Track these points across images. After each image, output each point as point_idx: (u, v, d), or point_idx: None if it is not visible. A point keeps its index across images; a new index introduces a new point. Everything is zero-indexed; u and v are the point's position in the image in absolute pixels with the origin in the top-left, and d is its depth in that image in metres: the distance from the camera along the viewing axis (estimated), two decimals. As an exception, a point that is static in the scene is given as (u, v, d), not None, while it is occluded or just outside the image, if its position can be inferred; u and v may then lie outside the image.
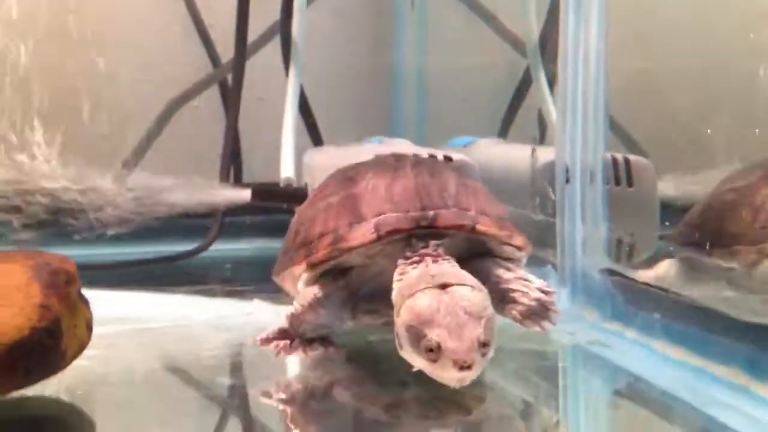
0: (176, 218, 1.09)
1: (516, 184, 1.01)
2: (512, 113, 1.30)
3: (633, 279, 0.83)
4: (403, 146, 1.05)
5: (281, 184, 1.11)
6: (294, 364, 0.76)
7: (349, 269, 0.73)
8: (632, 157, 0.99)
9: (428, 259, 0.68)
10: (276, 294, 0.86)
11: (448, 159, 0.98)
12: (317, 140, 1.28)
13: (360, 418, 0.68)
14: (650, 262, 0.88)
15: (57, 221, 1.06)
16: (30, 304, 0.63)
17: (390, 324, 0.71)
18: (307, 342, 0.73)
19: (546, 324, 0.71)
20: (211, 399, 0.73)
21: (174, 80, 1.33)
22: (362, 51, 1.41)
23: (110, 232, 1.06)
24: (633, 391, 0.71)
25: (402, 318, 0.65)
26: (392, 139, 1.16)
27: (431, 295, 0.64)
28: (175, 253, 1.16)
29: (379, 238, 0.70)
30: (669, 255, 0.87)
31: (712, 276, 0.81)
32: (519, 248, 0.74)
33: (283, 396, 0.71)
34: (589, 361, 0.79)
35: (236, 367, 0.81)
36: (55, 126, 1.18)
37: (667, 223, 0.94)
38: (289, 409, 0.69)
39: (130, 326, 0.87)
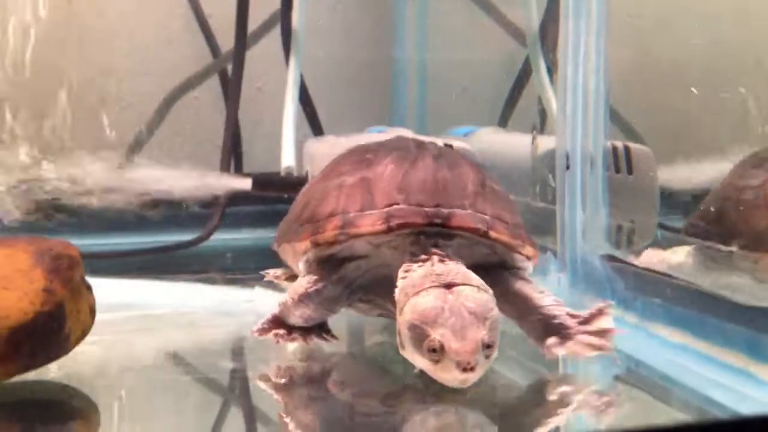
0: (177, 208, 1.09)
1: (516, 172, 1.02)
2: (512, 103, 1.30)
3: (633, 264, 0.83)
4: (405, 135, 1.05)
5: (282, 174, 1.12)
6: (293, 350, 0.76)
7: (348, 260, 0.71)
8: (632, 145, 0.99)
9: (435, 258, 0.67)
10: (277, 281, 0.86)
11: (448, 147, 0.98)
12: (317, 130, 1.28)
13: (358, 402, 0.68)
14: (654, 248, 0.88)
15: (57, 212, 1.06)
16: (33, 288, 0.64)
17: (385, 316, 0.71)
18: (305, 331, 0.73)
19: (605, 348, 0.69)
20: (211, 384, 0.74)
21: (174, 71, 1.33)
22: (362, 41, 1.41)
23: (109, 220, 1.07)
24: (634, 375, 0.72)
25: (405, 317, 0.64)
26: (393, 128, 1.16)
27: (436, 294, 0.63)
28: (177, 243, 1.17)
29: (389, 229, 0.69)
30: (683, 243, 0.85)
31: (733, 269, 0.80)
32: (528, 257, 0.72)
33: (281, 381, 0.72)
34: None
35: (237, 353, 0.81)
36: (54, 117, 1.19)
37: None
38: (287, 396, 0.69)
39: (132, 313, 0.87)
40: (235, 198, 1.16)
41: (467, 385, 0.61)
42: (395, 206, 0.70)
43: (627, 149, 0.98)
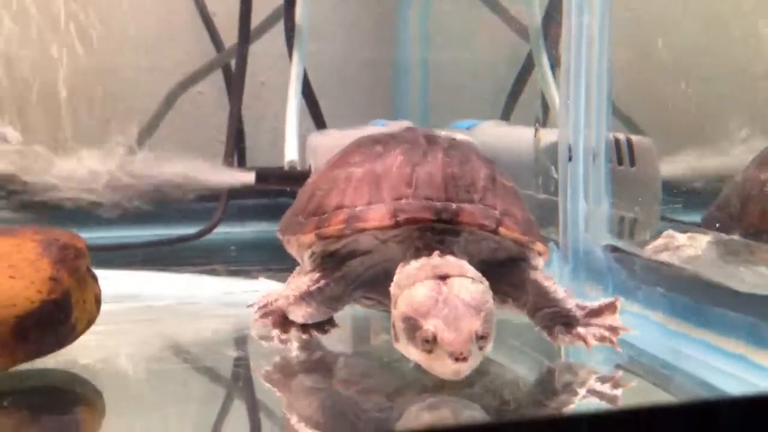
0: (181, 201, 1.10)
1: (519, 164, 1.02)
2: (515, 97, 1.31)
3: (635, 255, 0.83)
4: (406, 129, 1.05)
5: (285, 168, 1.12)
6: (296, 343, 0.76)
7: (352, 255, 0.71)
8: (635, 137, 1.00)
9: (435, 253, 0.66)
10: (281, 273, 0.86)
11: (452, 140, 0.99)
12: (320, 124, 1.29)
13: (361, 396, 0.68)
14: (664, 238, 0.88)
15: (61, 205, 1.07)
16: (40, 277, 0.64)
17: (388, 311, 0.70)
18: (303, 326, 0.72)
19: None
20: (215, 373, 0.74)
21: (178, 65, 1.34)
22: (365, 35, 1.41)
23: (114, 214, 1.07)
24: (635, 363, 0.72)
25: (399, 309, 0.64)
26: (396, 122, 1.17)
27: (430, 285, 0.63)
28: (180, 236, 1.17)
29: (396, 224, 0.68)
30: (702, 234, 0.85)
31: (756, 263, 0.79)
32: (539, 253, 0.71)
33: (284, 373, 0.72)
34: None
35: (240, 343, 0.82)
36: (59, 112, 1.19)
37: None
38: (290, 388, 0.70)
39: (137, 304, 0.88)
40: (238, 191, 1.16)
41: (460, 376, 0.61)
42: (403, 200, 0.68)
43: (629, 141, 0.99)
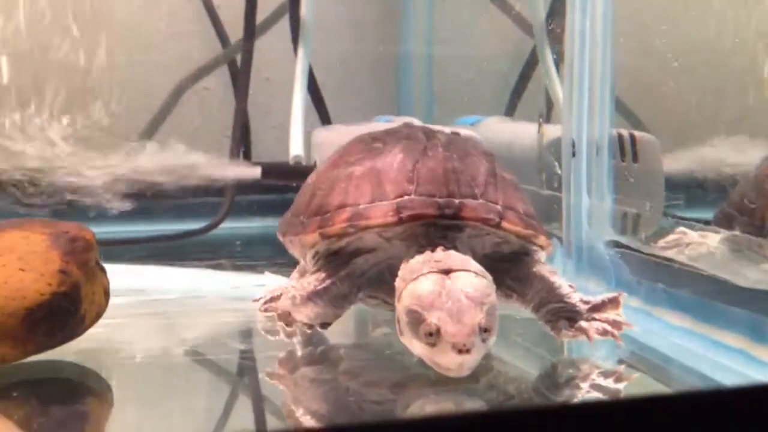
0: (187, 196, 1.11)
1: (523, 160, 1.03)
2: (519, 93, 1.31)
3: (638, 250, 0.84)
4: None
5: (291, 163, 1.13)
6: (301, 338, 0.76)
7: (356, 254, 0.71)
8: (638, 133, 1.00)
9: (439, 249, 0.66)
10: (286, 268, 0.87)
11: (455, 135, 0.99)
12: (325, 120, 1.29)
13: (366, 388, 0.68)
14: (657, 236, 0.88)
15: (69, 200, 1.07)
16: (50, 269, 0.65)
17: (392, 309, 0.70)
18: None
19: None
20: (221, 366, 0.75)
21: (183, 61, 1.34)
22: (370, 31, 1.42)
23: (121, 208, 1.08)
24: (638, 358, 0.72)
25: (403, 302, 0.64)
26: (401, 117, 1.17)
27: (434, 279, 0.63)
28: (186, 230, 1.18)
29: (400, 221, 0.68)
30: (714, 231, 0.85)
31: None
32: (541, 247, 0.71)
33: (289, 366, 0.72)
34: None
35: (246, 336, 0.82)
36: (65, 107, 1.20)
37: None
38: (295, 380, 0.70)
39: (145, 297, 0.89)
40: (244, 187, 1.17)
41: (464, 370, 0.61)
42: (406, 197, 0.69)
43: (632, 137, 0.99)
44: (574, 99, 0.92)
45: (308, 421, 0.62)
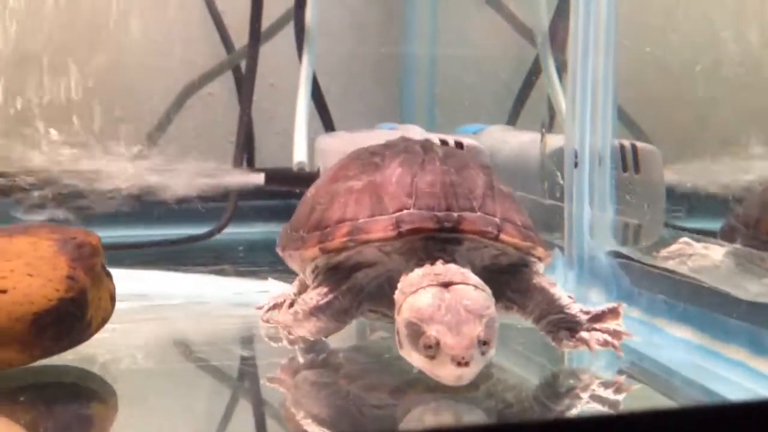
0: (191, 202, 1.11)
1: (525, 169, 1.03)
2: (521, 101, 1.32)
3: (639, 261, 0.84)
4: (415, 132, 1.07)
5: (294, 169, 1.13)
6: (303, 342, 0.77)
7: (356, 268, 0.71)
8: (639, 144, 1.00)
9: (439, 262, 0.67)
10: (289, 274, 0.88)
11: (458, 144, 1.00)
12: (329, 126, 1.30)
13: (366, 394, 0.69)
14: (659, 246, 0.89)
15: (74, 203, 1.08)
16: (57, 275, 0.65)
17: (393, 322, 0.70)
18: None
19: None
20: (224, 371, 0.76)
21: (188, 66, 1.35)
22: (373, 38, 1.42)
23: (125, 212, 1.08)
24: (638, 369, 0.73)
25: (402, 315, 0.64)
26: (403, 125, 1.18)
27: (433, 292, 0.64)
28: (189, 236, 1.19)
29: (399, 235, 0.68)
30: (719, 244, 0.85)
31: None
32: (539, 259, 0.72)
33: (291, 371, 0.73)
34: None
35: (249, 342, 0.83)
36: (70, 111, 1.20)
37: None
38: (296, 385, 0.71)
39: (149, 302, 0.89)
40: (248, 192, 1.18)
41: (463, 382, 0.62)
42: (405, 211, 0.69)
43: (634, 148, 0.99)
44: (576, 109, 0.92)
45: (309, 427, 0.62)
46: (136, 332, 0.81)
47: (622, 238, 0.90)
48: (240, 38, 1.31)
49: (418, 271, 0.67)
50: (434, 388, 0.64)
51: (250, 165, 1.30)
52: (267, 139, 1.35)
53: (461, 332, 0.61)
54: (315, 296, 0.71)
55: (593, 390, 0.69)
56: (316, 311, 0.70)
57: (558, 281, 0.75)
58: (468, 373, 0.62)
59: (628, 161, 0.98)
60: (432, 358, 0.62)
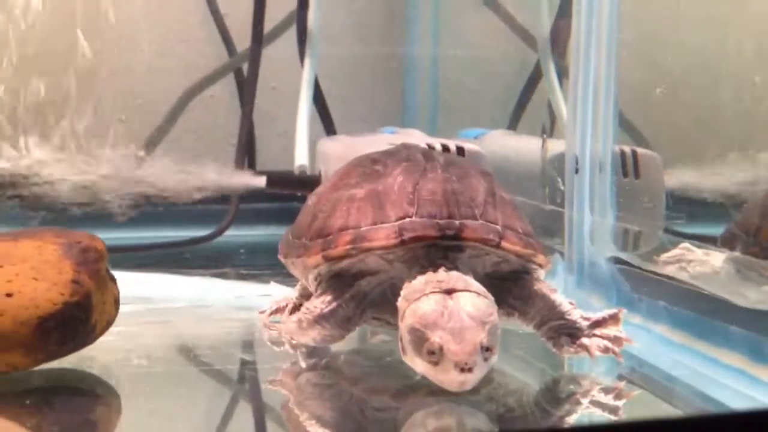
0: (192, 204, 1.11)
1: (526, 175, 1.04)
2: (522, 106, 1.32)
3: (639, 267, 0.85)
4: (416, 136, 1.07)
5: (296, 172, 1.14)
6: (304, 346, 0.77)
7: (359, 276, 0.71)
8: (640, 150, 1.01)
9: (441, 269, 0.67)
10: (292, 278, 0.88)
11: (460, 149, 1.00)
12: (330, 129, 1.30)
13: (368, 397, 0.69)
14: (659, 252, 0.89)
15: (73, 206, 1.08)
16: (62, 279, 0.66)
17: (396, 329, 0.70)
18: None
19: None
20: (226, 375, 0.76)
21: (190, 69, 1.35)
22: (375, 43, 1.43)
23: (126, 215, 1.09)
24: (638, 375, 0.73)
25: (406, 321, 0.65)
26: (405, 129, 1.18)
27: (436, 299, 0.64)
28: (191, 238, 1.19)
29: (402, 243, 0.69)
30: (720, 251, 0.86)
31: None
32: (540, 266, 0.72)
33: (292, 374, 0.73)
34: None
35: (251, 346, 0.84)
36: (71, 113, 1.21)
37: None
38: (298, 388, 0.71)
39: (152, 306, 0.90)
40: (250, 195, 1.18)
41: (466, 387, 0.62)
42: (407, 219, 0.70)
43: (635, 154, 1.00)
44: (577, 115, 0.93)
45: (311, 429, 0.63)
46: (140, 336, 0.82)
47: (622, 244, 0.91)
48: (242, 41, 1.32)
49: (420, 279, 0.67)
50: (436, 392, 0.64)
51: (252, 168, 1.30)
52: (268, 142, 1.35)
53: (464, 338, 0.62)
54: (319, 304, 0.71)
55: (593, 395, 0.70)
56: (320, 319, 0.71)
57: (558, 287, 0.75)
58: (471, 379, 0.62)
59: (628, 167, 0.99)
60: (435, 364, 0.63)
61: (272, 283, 0.90)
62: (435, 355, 0.62)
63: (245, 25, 1.28)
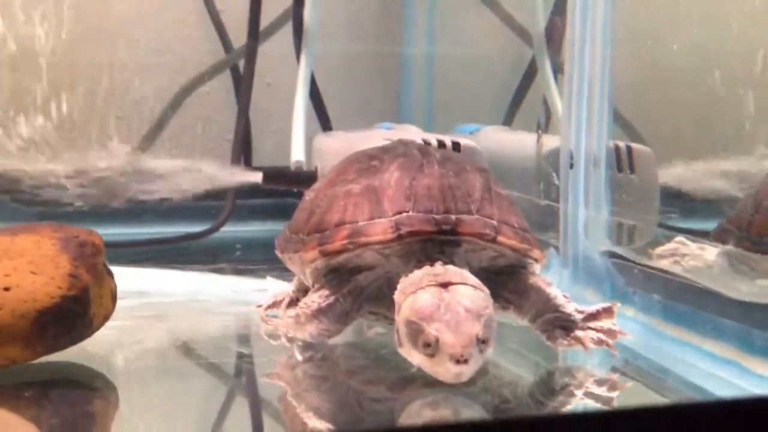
0: (189, 200, 1.12)
1: (521, 170, 1.04)
2: (517, 102, 1.32)
3: (633, 261, 0.85)
4: (412, 132, 1.08)
5: (292, 168, 1.14)
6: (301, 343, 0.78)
7: (356, 271, 0.72)
8: (634, 145, 1.01)
9: (438, 263, 0.68)
10: (288, 272, 0.89)
11: (456, 144, 1.01)
12: (326, 126, 1.31)
13: (365, 388, 0.70)
14: (653, 246, 0.90)
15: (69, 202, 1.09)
16: (60, 273, 0.66)
17: (392, 323, 0.71)
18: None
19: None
20: (223, 369, 0.77)
21: (186, 65, 1.35)
22: (371, 38, 1.43)
23: (121, 210, 1.09)
24: (631, 367, 0.74)
25: (402, 314, 0.66)
26: (401, 125, 1.19)
27: (432, 292, 0.65)
28: (187, 233, 1.20)
29: (398, 237, 0.70)
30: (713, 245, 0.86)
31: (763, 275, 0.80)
32: (536, 260, 0.73)
33: (289, 368, 0.74)
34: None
35: (247, 340, 0.84)
36: (67, 109, 1.21)
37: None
38: (295, 381, 0.72)
39: (148, 300, 0.90)
40: (246, 191, 1.18)
41: (462, 379, 0.63)
42: (404, 214, 0.70)
43: (629, 149, 1.00)
44: (572, 110, 0.93)
45: (308, 421, 0.63)
46: (137, 330, 0.82)
47: (616, 238, 0.91)
48: (238, 37, 1.32)
49: (417, 272, 0.68)
50: (432, 384, 0.65)
51: (248, 164, 1.31)
52: (264, 138, 1.35)
53: (460, 331, 0.63)
54: (316, 299, 0.72)
55: (587, 387, 0.70)
56: (318, 314, 0.71)
57: (553, 281, 0.76)
58: (467, 371, 0.63)
59: (623, 162, 0.99)
60: (431, 356, 0.63)
61: (269, 278, 0.91)
62: (431, 347, 0.63)
63: (241, 22, 1.28)
